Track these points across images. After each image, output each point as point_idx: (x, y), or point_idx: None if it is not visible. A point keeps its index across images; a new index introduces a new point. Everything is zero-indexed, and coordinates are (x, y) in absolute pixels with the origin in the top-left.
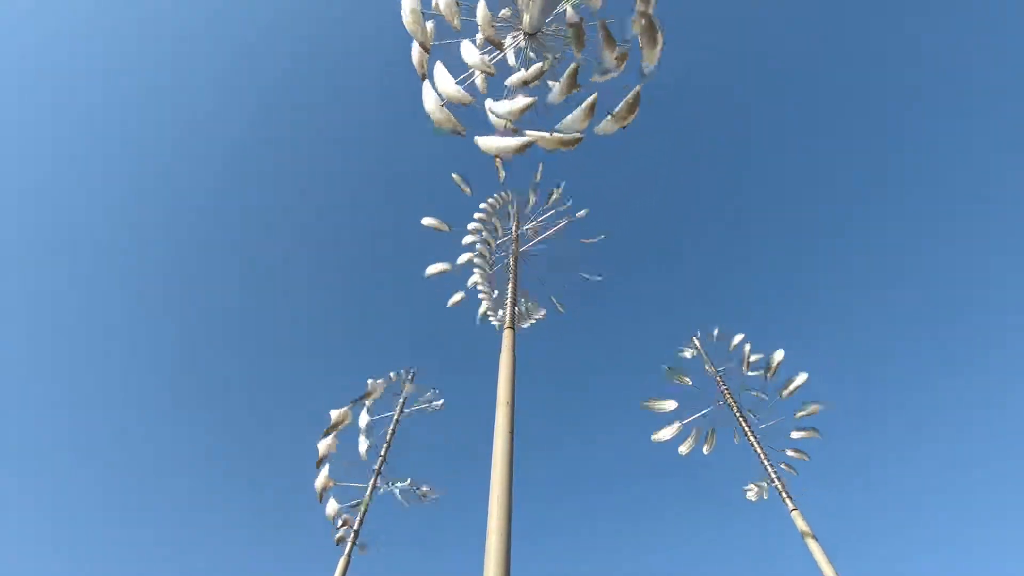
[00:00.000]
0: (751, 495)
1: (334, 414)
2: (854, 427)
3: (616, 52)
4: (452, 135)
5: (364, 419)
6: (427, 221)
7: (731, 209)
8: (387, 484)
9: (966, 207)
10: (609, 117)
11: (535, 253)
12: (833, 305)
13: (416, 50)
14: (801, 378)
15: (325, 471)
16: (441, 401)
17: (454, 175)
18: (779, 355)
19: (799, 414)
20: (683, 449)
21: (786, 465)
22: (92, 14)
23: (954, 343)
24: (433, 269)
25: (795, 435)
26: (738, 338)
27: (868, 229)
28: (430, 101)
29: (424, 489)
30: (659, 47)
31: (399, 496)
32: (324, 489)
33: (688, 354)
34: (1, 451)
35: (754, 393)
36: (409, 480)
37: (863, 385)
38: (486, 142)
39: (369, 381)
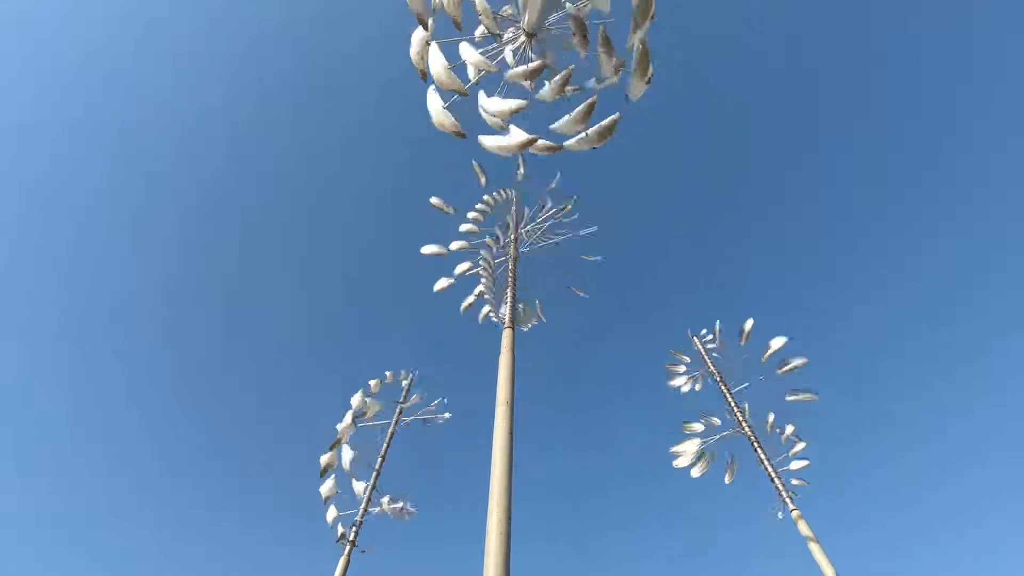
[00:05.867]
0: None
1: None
2: (854, 427)
3: (614, 61)
4: (454, 135)
5: (348, 455)
6: (435, 200)
7: (730, 208)
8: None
9: (967, 207)
10: (583, 135)
11: (536, 249)
12: (833, 305)
13: (416, 43)
14: (799, 360)
15: (331, 481)
16: (447, 414)
17: (475, 163)
18: (779, 341)
19: (791, 398)
20: (695, 472)
21: (795, 480)
22: (86, 13)
23: (956, 343)
24: (429, 249)
25: (790, 398)
26: (778, 342)
27: (869, 228)
28: (434, 103)
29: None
30: (647, 79)
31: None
32: (328, 496)
33: (678, 380)
34: (1, 451)
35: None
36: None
37: (863, 384)
38: (489, 141)
39: (355, 399)
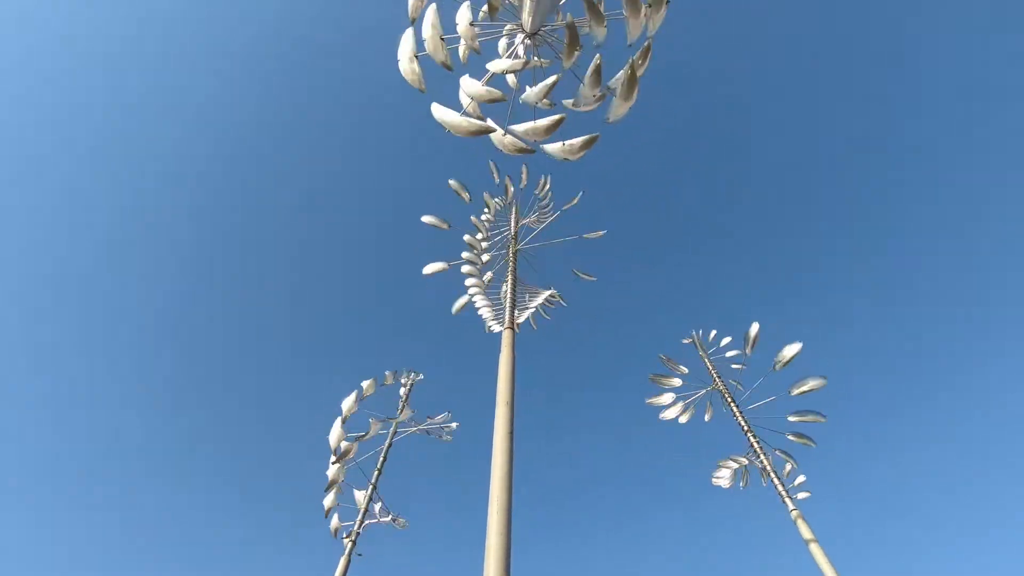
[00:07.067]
0: (723, 481)
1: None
2: (854, 426)
3: (597, 91)
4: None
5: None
6: (427, 219)
7: (729, 207)
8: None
9: (968, 206)
10: (560, 145)
11: (534, 247)
12: (833, 304)
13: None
14: (794, 348)
15: (332, 494)
16: (455, 424)
17: (451, 182)
18: (756, 329)
19: (795, 390)
20: (673, 415)
21: (788, 446)
22: (81, 12)
23: (957, 342)
24: (431, 268)
25: (793, 419)
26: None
27: (869, 227)
28: (405, 51)
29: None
30: (631, 102)
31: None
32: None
33: (666, 402)
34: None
35: (736, 366)
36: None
37: (863, 383)
38: (440, 112)
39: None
